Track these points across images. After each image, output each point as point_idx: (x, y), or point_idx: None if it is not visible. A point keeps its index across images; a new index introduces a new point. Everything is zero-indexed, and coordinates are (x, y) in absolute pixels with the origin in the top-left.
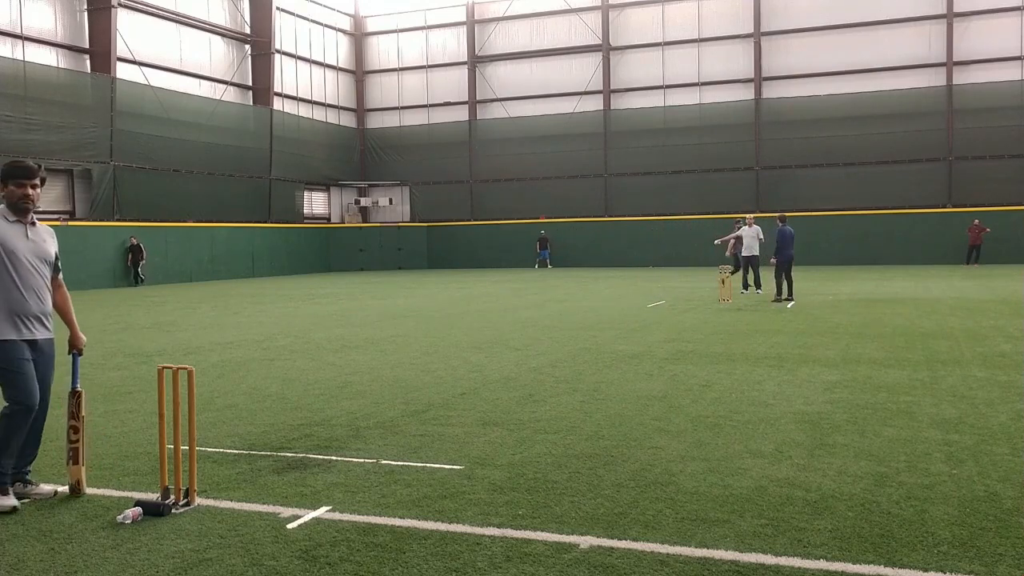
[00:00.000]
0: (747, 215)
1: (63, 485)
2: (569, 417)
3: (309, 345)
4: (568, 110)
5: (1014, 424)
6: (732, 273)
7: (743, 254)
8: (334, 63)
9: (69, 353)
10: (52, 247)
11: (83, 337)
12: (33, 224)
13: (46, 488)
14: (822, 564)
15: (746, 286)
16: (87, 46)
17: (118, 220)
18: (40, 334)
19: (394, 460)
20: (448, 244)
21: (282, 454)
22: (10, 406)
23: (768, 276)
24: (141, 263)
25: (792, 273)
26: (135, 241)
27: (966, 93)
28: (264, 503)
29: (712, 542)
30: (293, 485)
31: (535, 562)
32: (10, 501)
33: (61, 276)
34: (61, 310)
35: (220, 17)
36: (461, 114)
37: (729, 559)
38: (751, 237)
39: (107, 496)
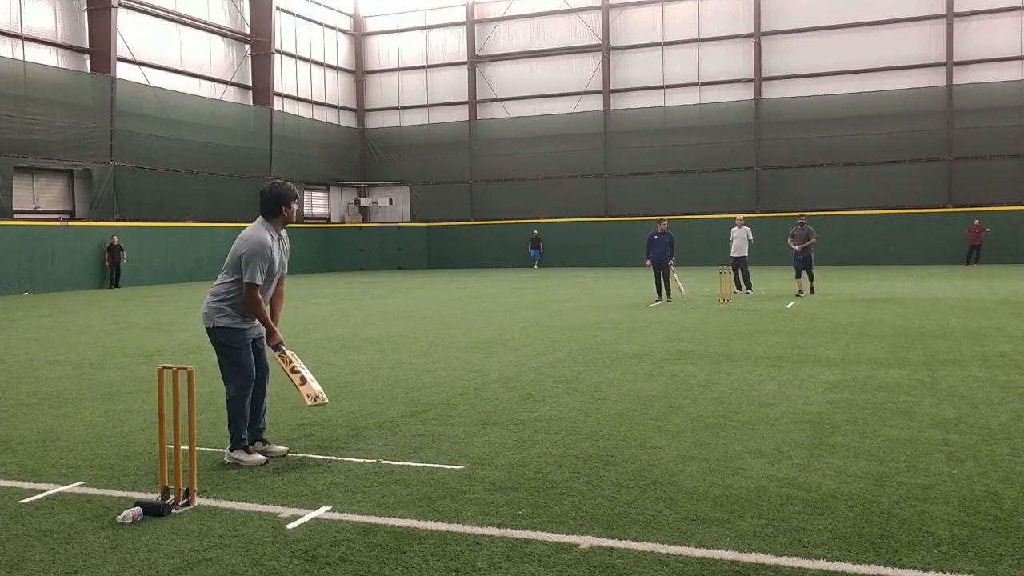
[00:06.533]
0: (737, 216)
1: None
2: (569, 417)
3: (309, 345)
4: (568, 110)
5: (1014, 424)
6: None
7: (732, 255)
8: (334, 63)
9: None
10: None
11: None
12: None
13: (279, 448)
14: (822, 564)
15: (738, 286)
16: (87, 46)
17: (118, 220)
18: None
19: (394, 460)
20: (448, 244)
21: None
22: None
23: (767, 276)
24: (122, 263)
25: (670, 275)
26: (115, 240)
27: (966, 93)
28: (264, 503)
29: (712, 542)
30: (293, 485)
31: (535, 562)
32: (259, 457)
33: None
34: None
35: (220, 17)
36: (461, 114)
37: (729, 559)
38: (740, 239)
39: (107, 496)
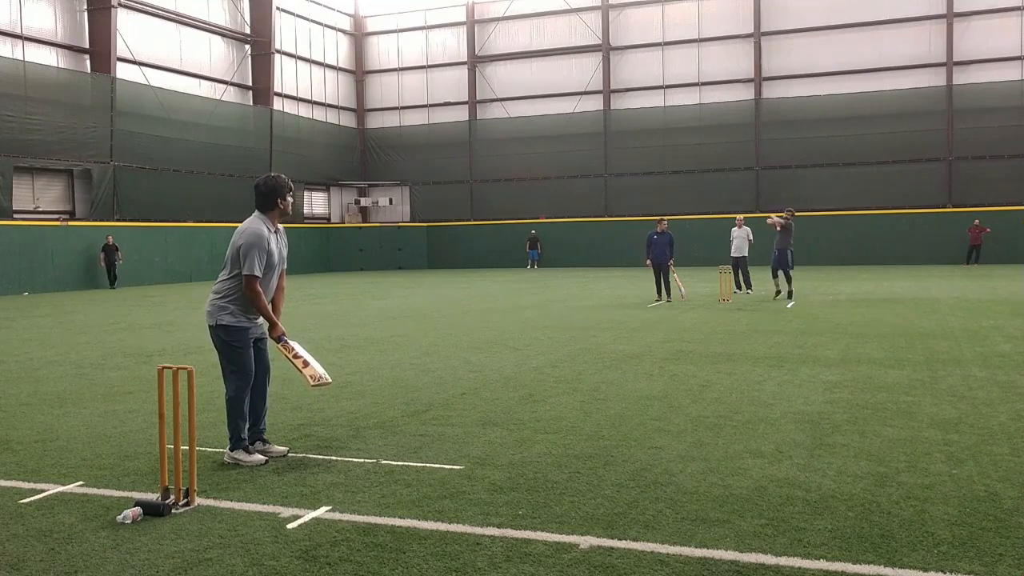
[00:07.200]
0: (737, 216)
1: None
2: (569, 417)
3: (309, 345)
4: (568, 110)
5: (1014, 424)
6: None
7: (732, 255)
8: (334, 63)
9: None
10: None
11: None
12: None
13: (280, 448)
14: (822, 564)
15: (738, 286)
16: (87, 46)
17: (118, 220)
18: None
19: (394, 460)
20: (448, 244)
21: None
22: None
23: (759, 276)
24: (117, 263)
25: (670, 275)
26: (111, 240)
27: (966, 93)
28: (264, 503)
29: (712, 542)
30: (293, 485)
31: (535, 562)
32: (259, 457)
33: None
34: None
35: (220, 17)
36: (461, 114)
37: (729, 559)
38: (740, 239)
39: (107, 496)
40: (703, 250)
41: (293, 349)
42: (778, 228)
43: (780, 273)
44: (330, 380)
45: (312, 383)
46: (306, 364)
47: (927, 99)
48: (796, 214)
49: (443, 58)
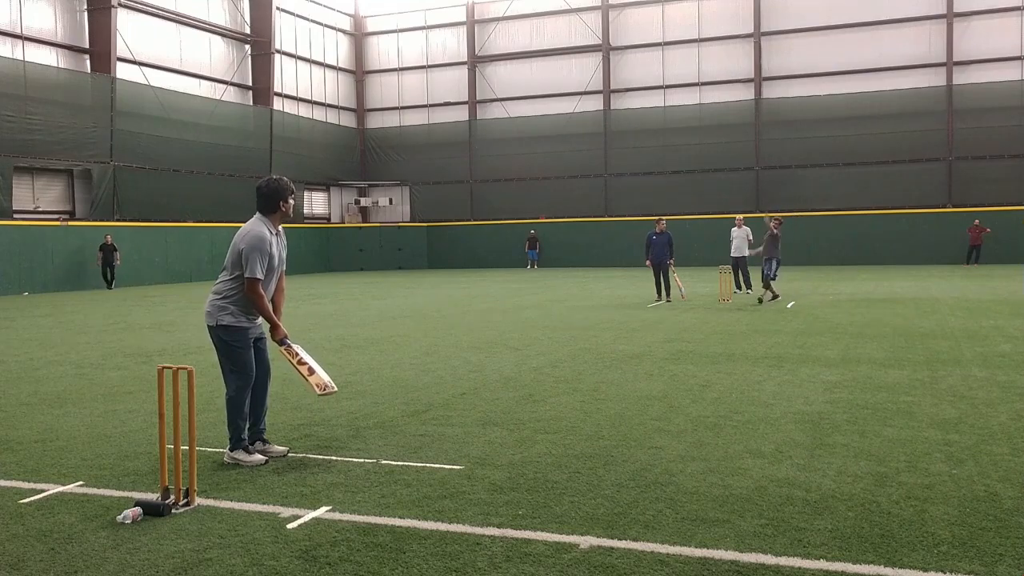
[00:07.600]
0: (737, 216)
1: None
2: (569, 417)
3: (309, 345)
4: (568, 110)
5: (1014, 424)
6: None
7: (732, 255)
8: (334, 63)
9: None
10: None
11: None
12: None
13: (279, 448)
14: (822, 564)
15: (738, 286)
16: (87, 46)
17: (118, 220)
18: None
19: (394, 460)
20: (448, 244)
21: None
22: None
23: (756, 276)
24: (115, 264)
25: (670, 275)
26: (109, 240)
27: (966, 93)
28: (264, 503)
29: (712, 542)
30: (293, 485)
31: (535, 562)
32: (259, 457)
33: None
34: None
35: (220, 17)
36: (461, 114)
37: (729, 559)
38: (740, 239)
39: (107, 496)
40: (703, 250)
41: (297, 355)
42: (773, 231)
43: (772, 281)
44: (336, 388)
45: (319, 392)
46: (311, 371)
47: (927, 99)
48: (789, 215)
49: (443, 58)
